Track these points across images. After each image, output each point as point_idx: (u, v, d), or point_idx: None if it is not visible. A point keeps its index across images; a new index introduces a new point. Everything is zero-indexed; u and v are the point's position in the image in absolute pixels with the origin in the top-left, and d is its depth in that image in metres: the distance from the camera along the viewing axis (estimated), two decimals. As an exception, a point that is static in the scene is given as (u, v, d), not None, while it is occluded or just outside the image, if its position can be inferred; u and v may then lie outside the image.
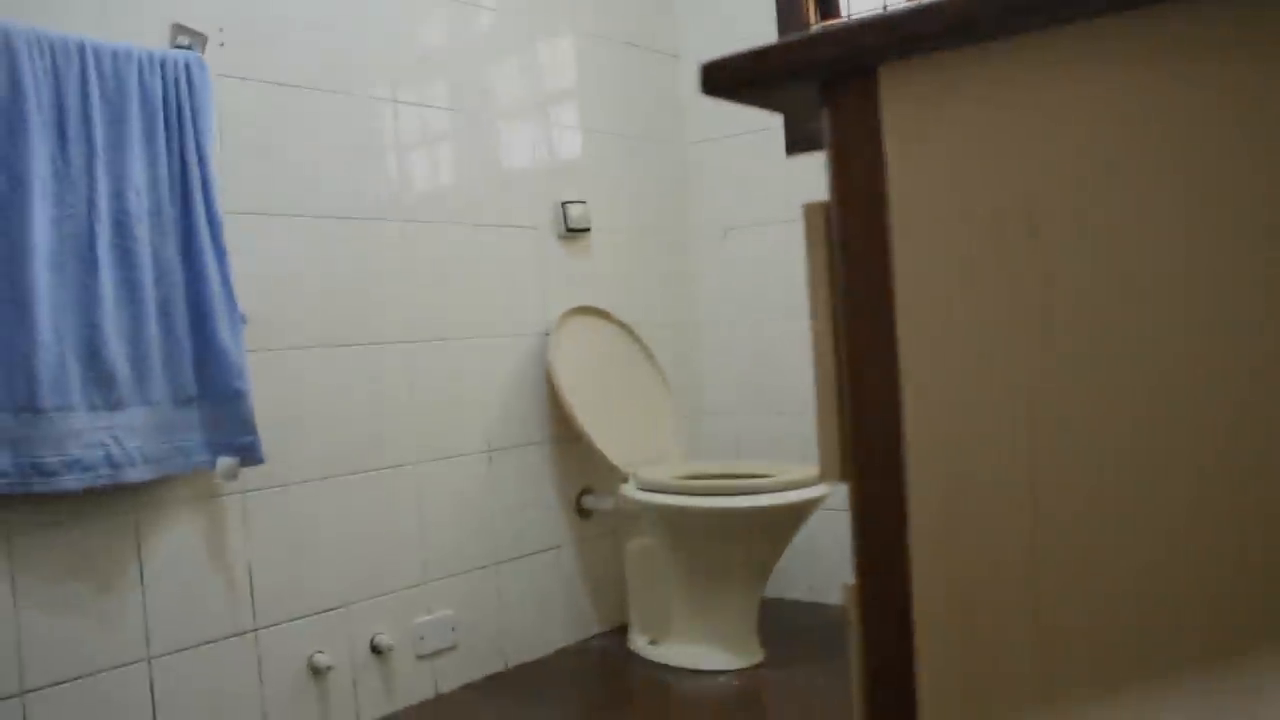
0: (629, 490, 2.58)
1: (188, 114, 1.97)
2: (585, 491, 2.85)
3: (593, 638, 2.85)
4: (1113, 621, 0.66)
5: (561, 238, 2.84)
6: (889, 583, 0.73)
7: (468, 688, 2.51)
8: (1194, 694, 0.63)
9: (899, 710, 0.73)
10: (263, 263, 2.16)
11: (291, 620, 2.19)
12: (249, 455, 2.02)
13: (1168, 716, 0.64)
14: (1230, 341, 0.61)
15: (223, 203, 2.04)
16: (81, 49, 1.83)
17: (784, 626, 2.82)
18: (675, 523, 2.50)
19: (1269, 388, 0.60)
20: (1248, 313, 0.61)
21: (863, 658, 0.75)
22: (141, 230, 1.90)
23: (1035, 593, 0.68)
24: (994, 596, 0.70)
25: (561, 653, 2.75)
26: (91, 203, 1.84)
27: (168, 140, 1.95)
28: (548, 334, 2.75)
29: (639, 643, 2.70)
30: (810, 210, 0.78)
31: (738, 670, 2.52)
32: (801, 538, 2.91)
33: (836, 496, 2.72)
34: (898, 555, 0.72)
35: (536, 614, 2.72)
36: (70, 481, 1.77)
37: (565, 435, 2.78)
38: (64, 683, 1.84)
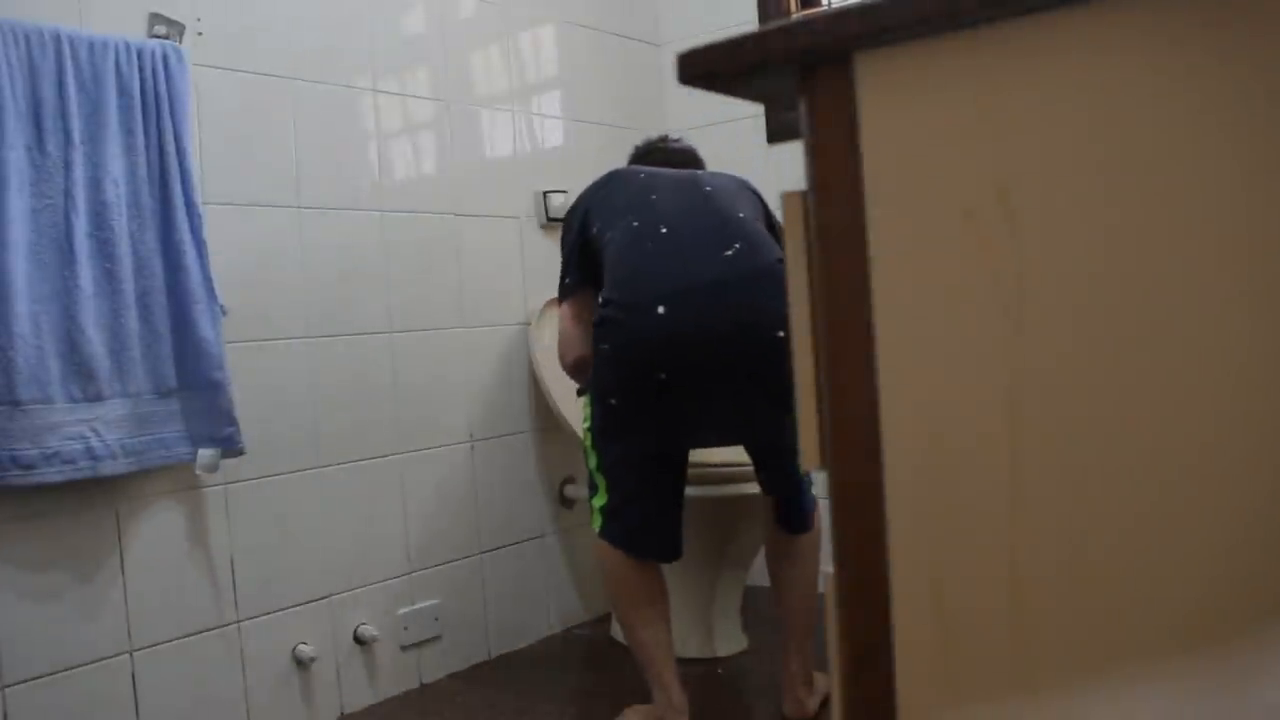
0: (612, 479, 2.58)
1: (166, 104, 1.96)
2: (568, 481, 2.85)
3: (577, 626, 2.86)
4: (1092, 607, 0.66)
5: (543, 227, 2.83)
6: (867, 570, 0.73)
7: (452, 677, 2.51)
8: (1177, 679, 0.64)
9: (878, 697, 0.74)
10: (243, 253, 2.15)
11: (274, 611, 2.19)
12: (229, 446, 2.01)
13: (1149, 703, 0.65)
14: (1207, 331, 0.62)
15: (202, 193, 2.03)
16: (57, 39, 1.82)
17: (768, 614, 2.82)
18: (658, 511, 2.49)
19: (1248, 378, 0.61)
20: (1225, 304, 0.61)
21: (842, 645, 0.75)
22: (120, 222, 1.88)
23: (1014, 579, 0.68)
24: (972, 583, 0.70)
25: (546, 641, 2.75)
26: (69, 194, 1.82)
27: (146, 131, 1.93)
28: (529, 323, 2.74)
29: (623, 631, 2.70)
30: (788, 199, 0.78)
31: (722, 658, 2.52)
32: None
33: (819, 485, 2.72)
34: (876, 542, 0.73)
35: (520, 603, 2.72)
36: (49, 474, 1.77)
37: (547, 424, 2.78)
38: (44, 676, 1.84)
